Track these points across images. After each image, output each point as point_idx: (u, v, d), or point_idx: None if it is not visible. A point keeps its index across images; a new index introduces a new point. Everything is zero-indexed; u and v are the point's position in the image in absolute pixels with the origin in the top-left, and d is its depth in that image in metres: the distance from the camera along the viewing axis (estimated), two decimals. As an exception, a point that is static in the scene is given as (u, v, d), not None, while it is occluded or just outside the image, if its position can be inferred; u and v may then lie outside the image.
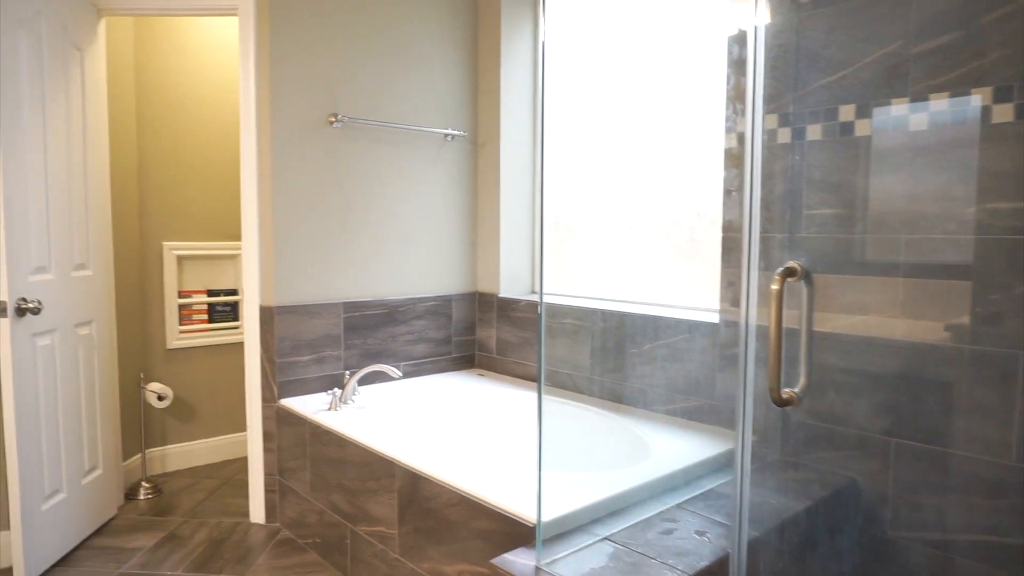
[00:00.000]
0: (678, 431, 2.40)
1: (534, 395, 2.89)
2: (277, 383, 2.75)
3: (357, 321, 2.96)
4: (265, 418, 2.77)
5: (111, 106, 2.99)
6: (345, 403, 2.72)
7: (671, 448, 2.23)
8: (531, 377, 3.12)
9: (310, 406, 2.67)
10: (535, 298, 3.14)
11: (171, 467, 3.40)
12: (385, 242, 3.04)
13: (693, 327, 2.51)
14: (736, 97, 2.35)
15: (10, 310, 2.14)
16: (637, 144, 2.91)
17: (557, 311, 3.00)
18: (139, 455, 3.25)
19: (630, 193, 2.96)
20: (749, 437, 1.43)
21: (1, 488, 2.51)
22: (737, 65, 2.31)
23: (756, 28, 1.40)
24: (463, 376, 3.20)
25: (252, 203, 2.71)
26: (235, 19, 3.49)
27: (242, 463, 3.51)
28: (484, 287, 3.37)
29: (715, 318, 2.50)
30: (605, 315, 2.81)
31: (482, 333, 3.37)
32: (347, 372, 2.79)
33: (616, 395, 2.77)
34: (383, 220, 3.02)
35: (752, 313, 1.39)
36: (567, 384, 2.97)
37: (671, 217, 2.80)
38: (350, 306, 2.94)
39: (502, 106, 3.21)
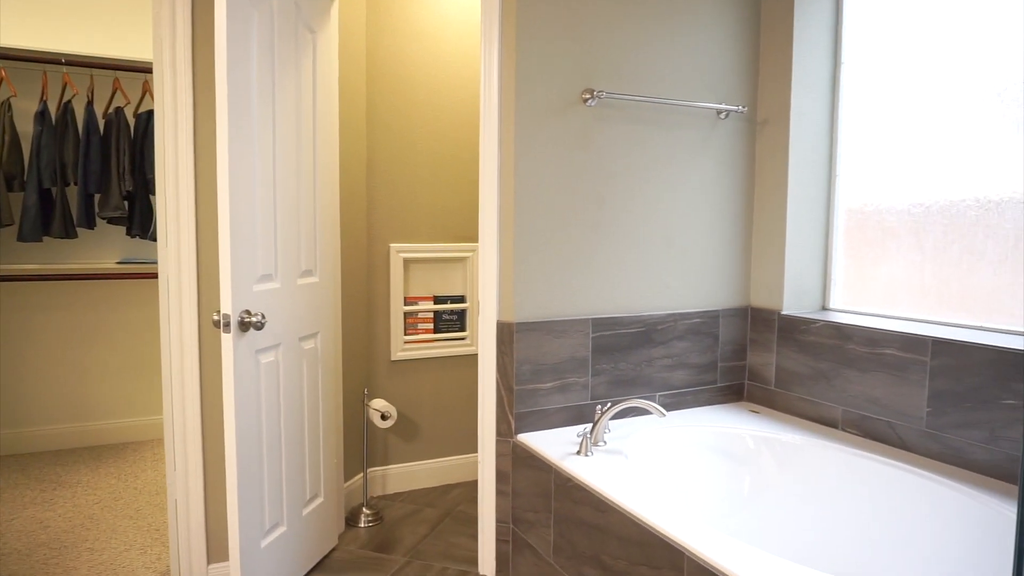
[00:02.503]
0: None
1: (841, 448, 2.16)
2: (514, 415, 2.29)
3: (607, 342, 2.42)
4: (499, 455, 2.33)
5: (341, 95, 2.73)
6: (596, 444, 2.20)
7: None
8: (825, 420, 2.39)
9: (554, 447, 2.17)
10: (836, 318, 2.40)
11: (391, 488, 3.11)
12: (643, 245, 2.47)
13: None
14: None
15: (233, 325, 1.87)
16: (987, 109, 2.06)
17: (871, 337, 2.24)
18: (359, 475, 2.99)
19: (975, 178, 2.11)
20: None
21: (219, 519, 2.31)
22: None
23: None
24: (733, 413, 2.54)
25: (491, 200, 2.28)
26: (468, -6, 3.12)
27: (465, 490, 3.14)
28: (759, 301, 2.68)
29: None
30: (950, 346, 2.01)
31: (755, 359, 2.69)
32: (598, 406, 2.27)
33: (971, 461, 1.97)
34: (641, 217, 2.46)
35: None
36: (887, 436, 2.20)
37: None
38: (600, 323, 2.41)
39: (794, 73, 2.50)
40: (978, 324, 2.17)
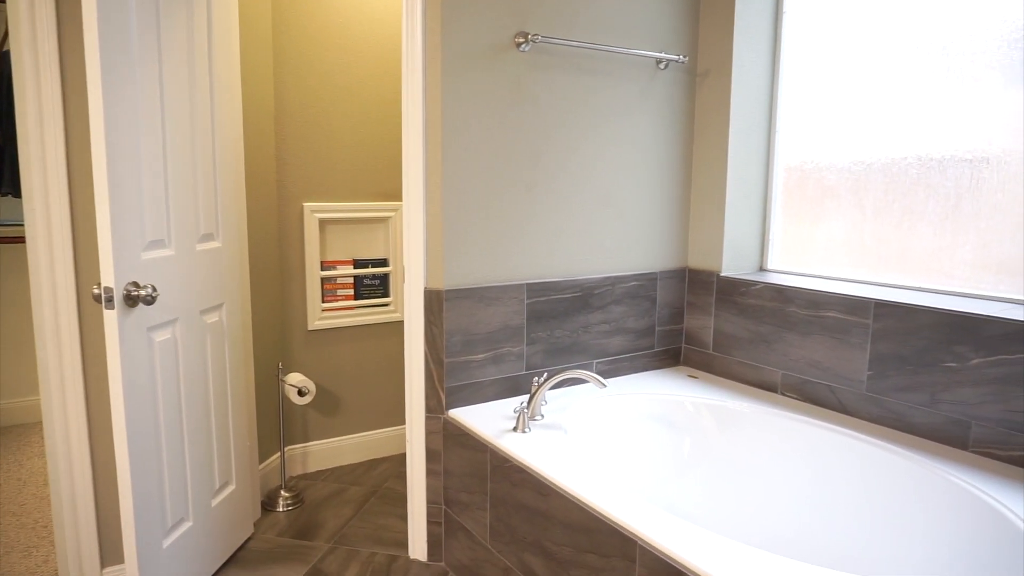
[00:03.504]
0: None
1: (782, 413, 2.10)
2: (445, 389, 2.12)
3: (543, 308, 2.27)
4: (429, 432, 2.16)
5: (243, 32, 2.41)
6: (534, 419, 2.06)
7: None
8: (765, 384, 2.34)
9: (489, 423, 2.02)
10: (775, 279, 2.33)
11: (313, 467, 2.90)
12: (580, 205, 2.31)
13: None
14: None
15: (117, 299, 1.60)
16: (922, 67, 1.99)
17: (813, 299, 2.18)
18: (276, 455, 2.77)
19: (917, 136, 2.05)
20: None
21: (113, 516, 2.05)
22: None
23: None
24: (672, 378, 2.46)
25: (416, 156, 2.06)
26: (385, -75, 2.83)
27: (393, 465, 2.97)
28: (697, 263, 2.58)
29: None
30: (892, 308, 1.96)
31: (693, 322, 2.60)
32: (535, 378, 2.13)
33: (911, 425, 1.95)
34: (578, 176, 2.30)
35: None
36: (827, 400, 2.16)
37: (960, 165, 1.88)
38: (535, 288, 2.25)
39: (736, 22, 2.36)
40: (917, 285, 2.14)
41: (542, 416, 2.08)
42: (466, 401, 2.17)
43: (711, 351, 2.54)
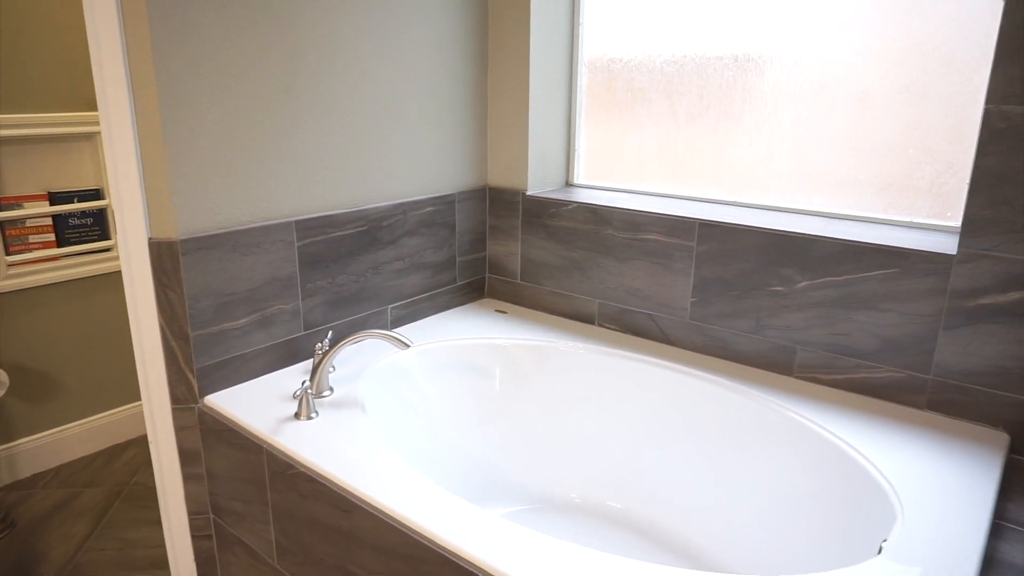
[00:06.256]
0: (898, 433, 1.48)
1: (604, 350, 1.88)
2: (195, 371, 1.59)
3: (320, 250, 1.79)
4: (180, 428, 1.63)
5: None
6: (321, 396, 1.62)
7: (914, 478, 1.30)
8: (581, 316, 2.10)
9: (261, 410, 1.55)
10: (587, 197, 2.05)
11: (26, 471, 2.21)
12: (359, 115, 1.81)
13: (886, 256, 1.55)
14: None
15: None
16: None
17: (632, 220, 1.94)
18: (-33, 466, 2.05)
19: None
20: None
21: None
22: None
23: None
24: (478, 316, 2.13)
25: (111, 43, 1.40)
26: None
27: (139, 450, 2.37)
28: (498, 180, 2.23)
29: (934, 242, 1.54)
30: (717, 229, 1.79)
31: (497, 248, 2.27)
32: (317, 345, 1.66)
33: (736, 352, 1.82)
34: (354, 79, 1.78)
35: None
36: (648, 330, 1.98)
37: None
38: (307, 226, 1.75)
39: None
40: (733, 200, 1.98)
41: (331, 390, 1.65)
42: (228, 381, 1.66)
43: (519, 280, 2.24)
